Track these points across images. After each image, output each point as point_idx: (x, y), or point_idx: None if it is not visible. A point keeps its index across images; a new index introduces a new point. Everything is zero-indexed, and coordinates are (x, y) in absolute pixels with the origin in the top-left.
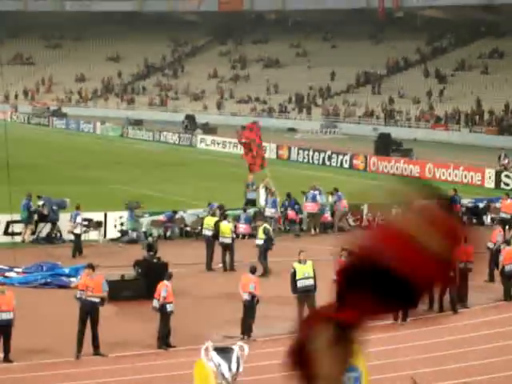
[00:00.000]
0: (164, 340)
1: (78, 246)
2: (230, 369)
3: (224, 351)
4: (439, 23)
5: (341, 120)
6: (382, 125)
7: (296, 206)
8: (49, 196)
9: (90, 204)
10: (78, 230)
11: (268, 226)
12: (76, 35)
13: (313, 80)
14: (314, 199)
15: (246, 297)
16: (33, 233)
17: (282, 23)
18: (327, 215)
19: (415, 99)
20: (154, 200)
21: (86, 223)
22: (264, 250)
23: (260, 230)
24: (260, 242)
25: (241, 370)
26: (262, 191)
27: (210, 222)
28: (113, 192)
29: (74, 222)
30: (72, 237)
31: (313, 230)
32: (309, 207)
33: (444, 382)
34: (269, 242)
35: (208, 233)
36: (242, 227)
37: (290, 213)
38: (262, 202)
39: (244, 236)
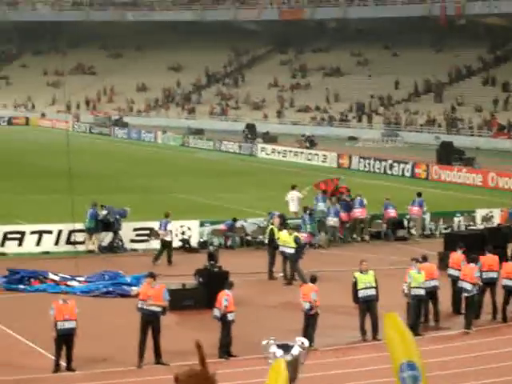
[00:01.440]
0: (225, 349)
1: (168, 253)
2: (286, 353)
3: (285, 346)
4: (502, 31)
5: (402, 128)
6: (444, 133)
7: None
8: (111, 205)
9: (150, 213)
10: (168, 238)
11: (298, 235)
12: (137, 45)
13: (374, 88)
14: (361, 204)
15: (306, 306)
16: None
17: (342, 31)
18: (391, 211)
19: (477, 107)
20: (215, 209)
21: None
22: (295, 260)
23: (291, 239)
24: (291, 250)
25: (302, 361)
26: (291, 201)
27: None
28: (173, 201)
29: (165, 229)
30: (134, 246)
31: (366, 236)
32: (358, 213)
33: None
34: (299, 251)
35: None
36: (303, 236)
37: (343, 215)
38: (292, 209)
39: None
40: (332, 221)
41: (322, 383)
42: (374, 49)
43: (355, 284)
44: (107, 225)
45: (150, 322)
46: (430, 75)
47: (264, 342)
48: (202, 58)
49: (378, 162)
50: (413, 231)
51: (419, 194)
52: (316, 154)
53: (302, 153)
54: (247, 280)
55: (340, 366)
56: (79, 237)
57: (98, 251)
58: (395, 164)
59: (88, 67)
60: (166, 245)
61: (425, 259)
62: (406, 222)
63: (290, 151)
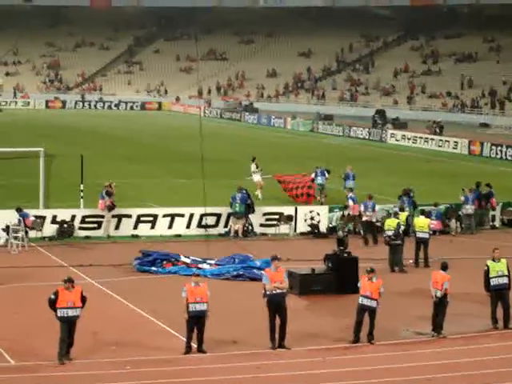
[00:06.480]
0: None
1: (373, 233)
2: None
3: None
4: None
5: None
6: None
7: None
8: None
9: (279, 198)
10: (373, 219)
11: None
12: (268, 31)
13: (507, 75)
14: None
15: (437, 294)
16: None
17: (475, 17)
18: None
19: None
20: (344, 195)
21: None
22: (427, 245)
23: (426, 223)
24: (426, 235)
25: None
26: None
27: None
28: None
29: (369, 210)
30: (264, 230)
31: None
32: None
33: None
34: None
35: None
36: (433, 223)
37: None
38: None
39: (435, 232)
40: (470, 209)
41: (451, 370)
42: (508, 35)
43: (487, 272)
44: (250, 209)
45: (279, 305)
46: None
47: None
48: (332, 43)
49: (510, 150)
50: None
51: None
52: (447, 141)
53: (432, 139)
54: (377, 266)
55: (470, 354)
56: (210, 220)
57: (242, 236)
58: None
59: (220, 53)
60: (370, 225)
61: None
62: None
63: (421, 137)
